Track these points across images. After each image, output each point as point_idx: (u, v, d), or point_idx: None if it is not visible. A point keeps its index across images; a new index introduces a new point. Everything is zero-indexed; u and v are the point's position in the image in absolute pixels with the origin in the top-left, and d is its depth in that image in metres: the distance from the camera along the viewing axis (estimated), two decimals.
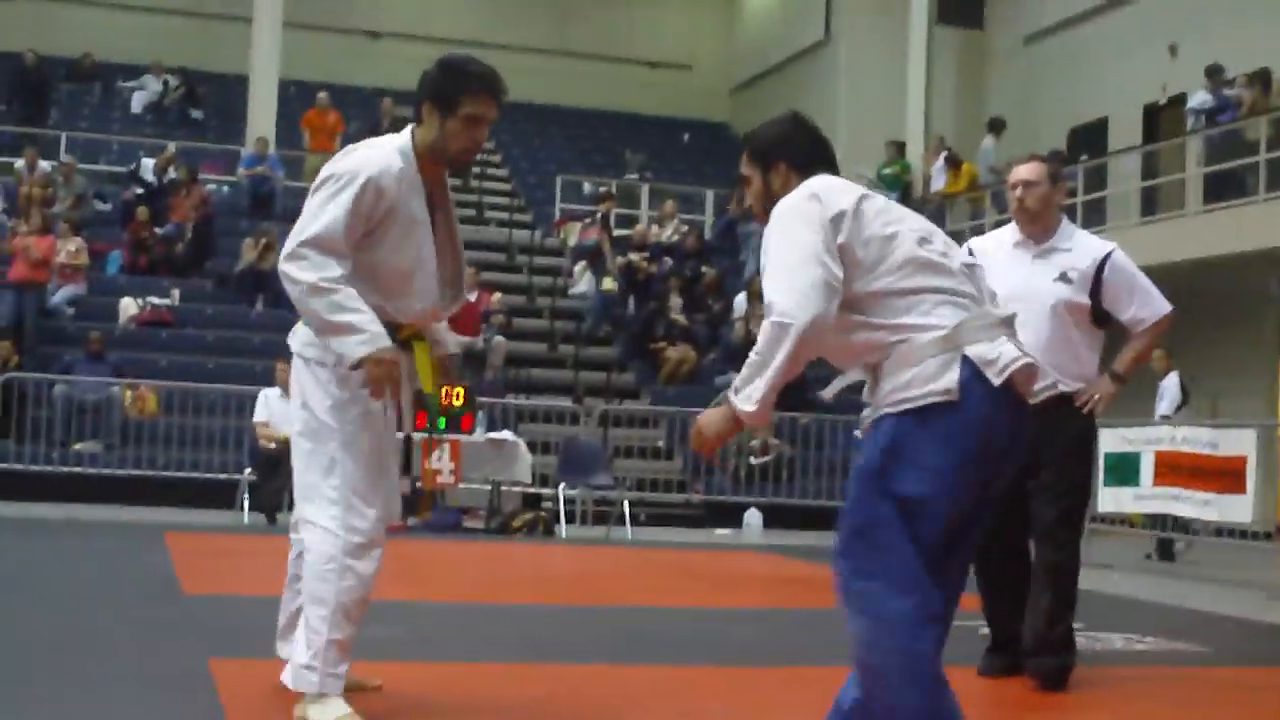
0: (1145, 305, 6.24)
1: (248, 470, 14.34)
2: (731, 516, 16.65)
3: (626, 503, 15.10)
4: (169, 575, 9.07)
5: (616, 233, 22.06)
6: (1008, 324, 3.94)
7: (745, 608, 9.05)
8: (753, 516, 16.51)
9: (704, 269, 21.10)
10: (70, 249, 18.47)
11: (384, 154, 4.80)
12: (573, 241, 22.12)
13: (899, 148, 24.25)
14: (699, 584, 10.72)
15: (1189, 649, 7.66)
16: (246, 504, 14.19)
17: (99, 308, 18.78)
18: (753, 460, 17.20)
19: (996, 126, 23.37)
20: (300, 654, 4.72)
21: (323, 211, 4.66)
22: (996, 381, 3.80)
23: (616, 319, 20.55)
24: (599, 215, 21.31)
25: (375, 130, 23.71)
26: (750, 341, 18.16)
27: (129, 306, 18.78)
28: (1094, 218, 20.65)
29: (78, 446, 16.17)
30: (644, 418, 18.27)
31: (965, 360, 3.81)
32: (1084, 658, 7.06)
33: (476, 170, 25.32)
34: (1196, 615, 9.59)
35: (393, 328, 4.76)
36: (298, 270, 4.60)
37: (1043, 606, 6.19)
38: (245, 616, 6.79)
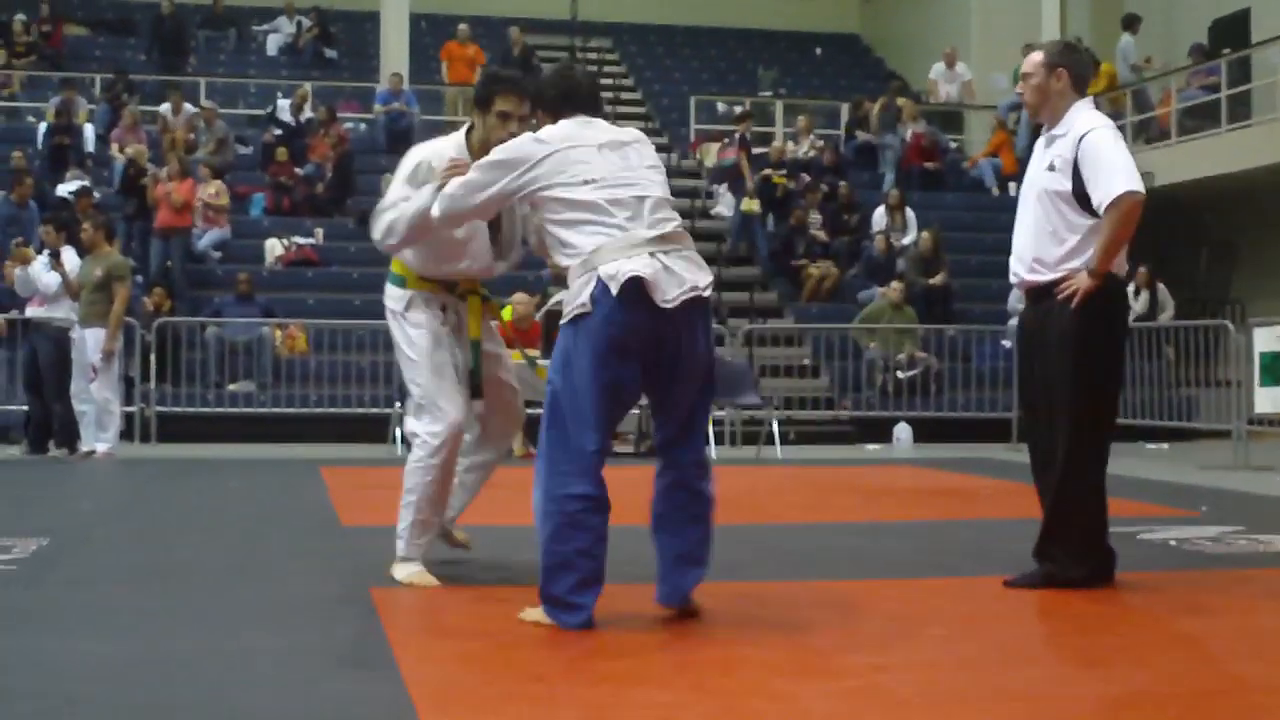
0: (1103, 186, 5.81)
1: (397, 405, 14.51)
2: (881, 431, 16.58)
3: (775, 422, 15.09)
4: (327, 508, 9.25)
5: (753, 151, 21.84)
6: (659, 241, 5.05)
7: (898, 521, 9.03)
8: (902, 431, 16.44)
9: (841, 184, 20.88)
10: (210, 192, 18.74)
11: (441, 145, 6.05)
12: (709, 162, 22.00)
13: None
14: (851, 499, 10.70)
15: None
16: (399, 436, 14.37)
17: (245, 250, 19.09)
18: (900, 374, 17.10)
19: (1131, 23, 22.81)
20: (399, 524, 6.09)
21: (391, 190, 6.03)
22: (614, 293, 4.89)
23: (754, 237, 20.40)
24: (736, 135, 21.16)
25: (506, 59, 23.89)
26: (890, 255, 17.84)
27: (274, 247, 19.06)
28: (1240, 112, 20.18)
29: (232, 387, 16.51)
30: (789, 336, 18.23)
31: (598, 278, 4.93)
32: (1247, 560, 6.98)
33: (610, 95, 25.27)
34: None
35: (450, 283, 6.10)
36: (376, 230, 6.05)
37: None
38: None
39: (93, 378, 13.22)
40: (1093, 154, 5.87)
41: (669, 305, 4.96)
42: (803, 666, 4.61)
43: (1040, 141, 6.21)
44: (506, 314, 14.96)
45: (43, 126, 20.67)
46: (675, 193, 20.73)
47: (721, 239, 20.54)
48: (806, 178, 21.05)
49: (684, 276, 5.03)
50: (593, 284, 4.95)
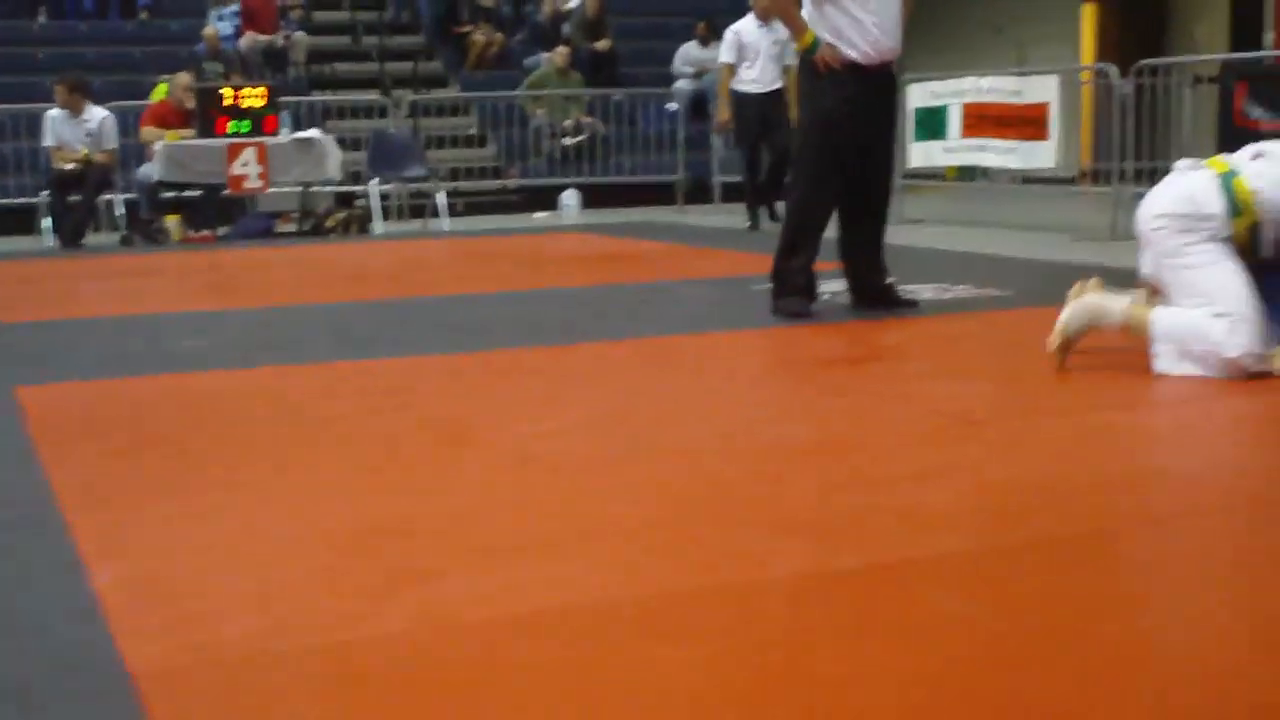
0: None
1: (44, 193, 13.88)
2: (549, 199, 16.60)
3: (442, 193, 14.97)
4: None
5: None
6: None
7: (566, 288, 9.08)
8: (570, 197, 16.49)
9: None
10: None
11: None
12: None
13: None
14: (520, 269, 10.72)
15: (995, 294, 7.85)
16: (47, 226, 13.78)
17: None
18: (566, 141, 17.09)
19: None
20: None
21: None
22: None
23: (416, 5, 20.01)
24: None
25: None
26: (556, 20, 17.58)
27: None
28: None
29: None
30: (454, 105, 17.98)
31: None
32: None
33: None
34: (1003, 262, 9.80)
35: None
36: None
37: None
38: (53, 341, 6.68)
39: None
40: None
41: None
42: (455, 437, 4.61)
43: None
44: (162, 92, 14.43)
45: None
46: None
47: (382, 7, 20.08)
48: None
49: None
50: None
